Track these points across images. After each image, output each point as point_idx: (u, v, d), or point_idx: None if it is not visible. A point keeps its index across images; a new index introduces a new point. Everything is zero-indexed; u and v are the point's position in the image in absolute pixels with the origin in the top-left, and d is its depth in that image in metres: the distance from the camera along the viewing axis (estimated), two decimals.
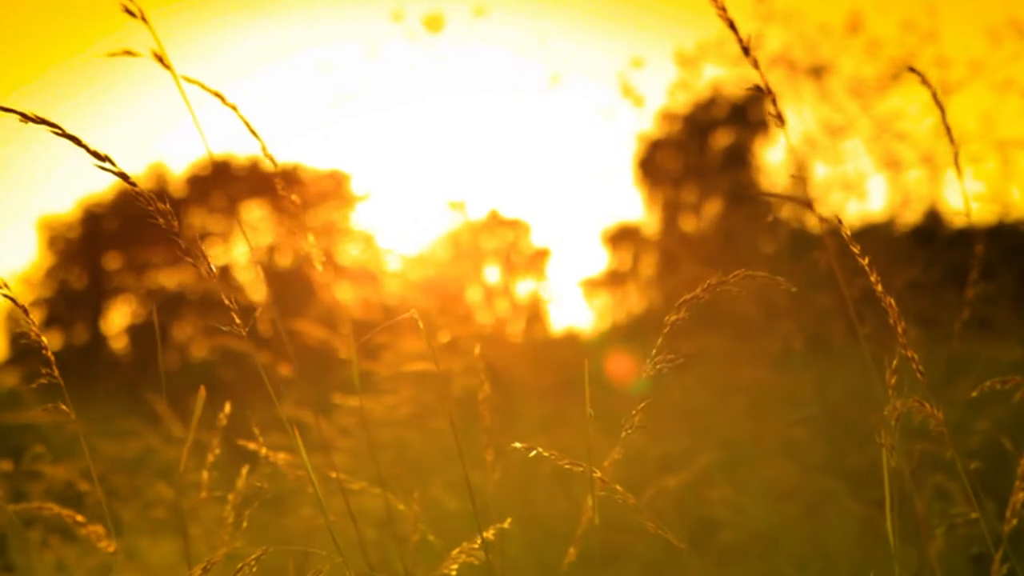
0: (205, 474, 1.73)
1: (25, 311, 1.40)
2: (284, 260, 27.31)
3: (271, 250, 28.19)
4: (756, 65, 1.68)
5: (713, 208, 22.83)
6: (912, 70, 1.84)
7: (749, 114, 22.62)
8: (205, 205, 28.91)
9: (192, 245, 1.24)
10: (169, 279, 28.51)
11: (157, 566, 3.12)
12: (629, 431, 1.30)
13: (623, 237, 23.69)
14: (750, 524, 2.94)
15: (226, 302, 1.26)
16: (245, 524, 1.56)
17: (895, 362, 1.36)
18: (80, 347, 27.01)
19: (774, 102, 1.68)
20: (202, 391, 1.49)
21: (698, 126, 23.13)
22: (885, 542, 2.90)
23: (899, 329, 1.36)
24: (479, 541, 1.52)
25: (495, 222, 24.57)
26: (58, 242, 28.87)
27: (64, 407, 1.42)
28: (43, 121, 1.24)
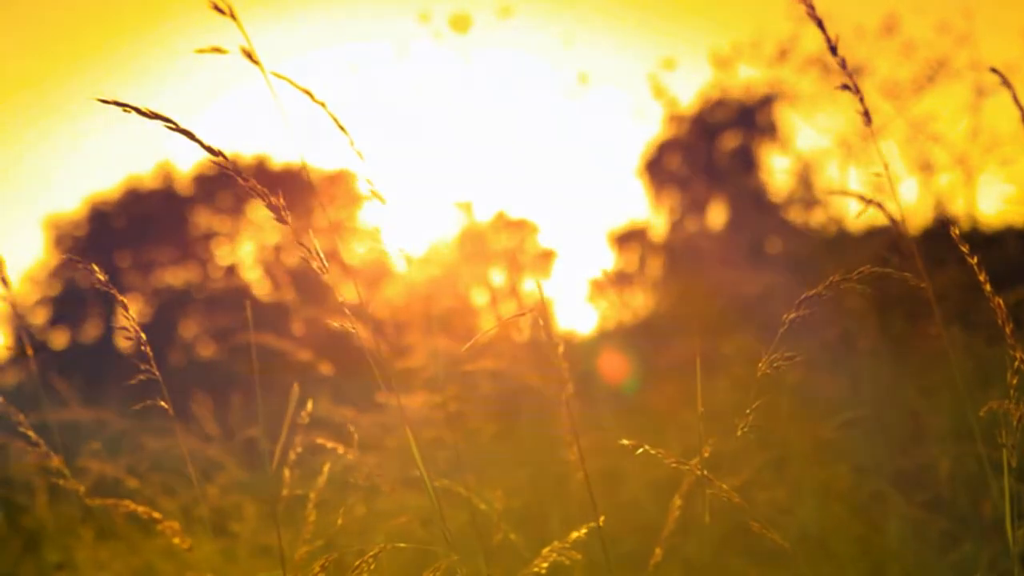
0: (287, 472, 1.72)
1: (125, 307, 1.39)
2: (291, 259, 27.30)
3: (278, 249, 28.19)
4: (844, 65, 1.67)
5: (721, 210, 22.82)
6: (994, 71, 1.83)
7: (757, 117, 22.62)
8: (211, 205, 28.91)
9: (305, 239, 1.23)
10: (175, 277, 28.50)
11: (200, 565, 3.10)
12: (744, 429, 1.30)
13: (630, 238, 23.68)
14: (798, 525, 2.93)
15: (339, 299, 1.25)
16: (336, 519, 1.55)
17: (1016, 363, 1.35)
18: (87, 346, 27.00)
19: (861, 100, 1.67)
20: (295, 388, 1.48)
21: (706, 128, 23.12)
22: (934, 544, 2.90)
23: (1007, 330, 1.36)
24: (571, 539, 1.51)
25: (502, 223, 24.60)
26: (65, 240, 28.87)
27: (163, 403, 1.41)
28: (156, 116, 1.24)
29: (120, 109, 1.30)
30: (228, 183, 29.50)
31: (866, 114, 1.67)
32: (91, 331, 27.74)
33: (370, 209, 1.40)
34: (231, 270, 28.40)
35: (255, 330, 3.90)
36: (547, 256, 24.70)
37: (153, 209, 28.40)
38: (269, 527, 3.04)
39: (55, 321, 27.94)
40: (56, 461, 2.33)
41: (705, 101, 22.95)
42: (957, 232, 1.35)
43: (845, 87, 1.66)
